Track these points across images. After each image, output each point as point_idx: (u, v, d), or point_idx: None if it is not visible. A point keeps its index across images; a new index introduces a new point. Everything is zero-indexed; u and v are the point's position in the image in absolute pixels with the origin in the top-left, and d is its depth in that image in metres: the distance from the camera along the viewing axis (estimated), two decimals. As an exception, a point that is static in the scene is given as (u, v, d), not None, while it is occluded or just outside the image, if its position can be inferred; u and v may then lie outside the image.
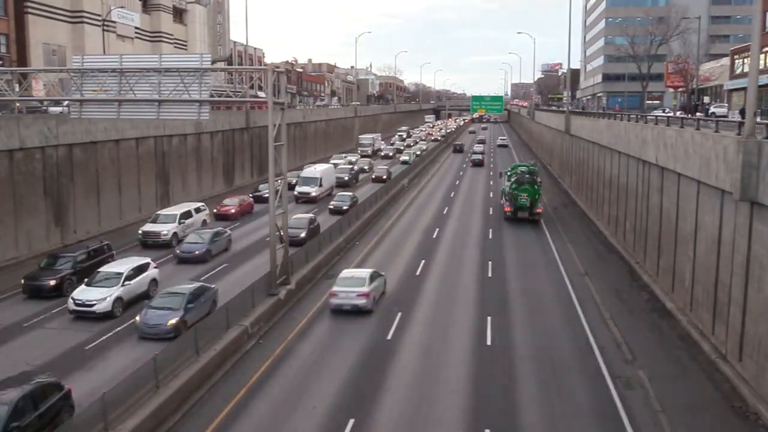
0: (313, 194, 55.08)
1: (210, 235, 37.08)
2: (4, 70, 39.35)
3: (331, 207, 50.84)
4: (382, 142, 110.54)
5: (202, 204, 45.07)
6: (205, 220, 43.62)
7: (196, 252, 35.78)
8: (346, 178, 66.24)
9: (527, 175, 48.71)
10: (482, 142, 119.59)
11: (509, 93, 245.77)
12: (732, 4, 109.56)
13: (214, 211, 47.47)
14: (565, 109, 72.47)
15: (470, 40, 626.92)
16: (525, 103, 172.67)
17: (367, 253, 39.15)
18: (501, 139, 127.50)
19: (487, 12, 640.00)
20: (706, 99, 77.06)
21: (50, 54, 62.42)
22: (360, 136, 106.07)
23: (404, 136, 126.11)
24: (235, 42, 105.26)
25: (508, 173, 52.76)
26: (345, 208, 49.32)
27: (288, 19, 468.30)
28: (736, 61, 67.66)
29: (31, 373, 19.08)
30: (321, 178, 56.75)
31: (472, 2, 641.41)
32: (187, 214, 41.71)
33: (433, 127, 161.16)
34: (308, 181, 56.14)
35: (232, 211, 48.37)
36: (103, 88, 28.74)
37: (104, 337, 25.05)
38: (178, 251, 36.30)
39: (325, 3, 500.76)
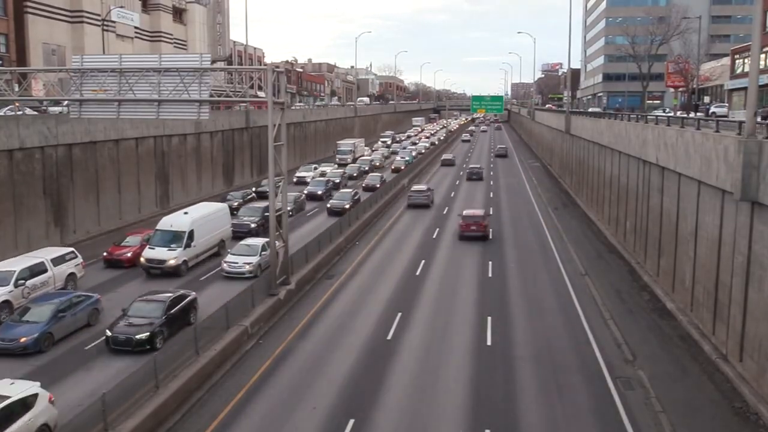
0: (172, 262, 32.56)
1: (52, 310, 24.07)
2: (3, 69, 39.34)
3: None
4: (366, 148, 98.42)
5: (71, 250, 31.20)
6: (72, 275, 30.16)
7: (22, 339, 22.77)
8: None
9: None
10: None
11: (509, 93, 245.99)
12: (732, 4, 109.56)
13: (104, 254, 34.69)
14: (565, 108, 72.44)
15: (465, 41, 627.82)
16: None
17: (367, 253, 39.12)
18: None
19: (475, 14, 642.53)
20: (707, 99, 77.07)
21: (50, 54, 62.39)
22: (338, 142, 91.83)
23: (387, 143, 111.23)
24: (234, 42, 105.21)
25: None
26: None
27: (280, 20, 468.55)
28: (737, 60, 67.65)
29: None
30: (191, 232, 33.85)
31: (459, 5, 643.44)
32: (34, 270, 28.13)
33: (420, 132, 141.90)
34: (167, 238, 33.49)
35: (129, 255, 34.19)
36: (103, 87, 28.73)
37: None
38: None
39: (317, 5, 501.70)
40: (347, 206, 48.73)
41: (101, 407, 16.71)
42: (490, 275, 34.27)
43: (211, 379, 21.44)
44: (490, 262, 36.53)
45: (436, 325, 26.74)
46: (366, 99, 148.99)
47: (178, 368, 20.44)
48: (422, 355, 23.59)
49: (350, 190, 54.81)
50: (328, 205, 50.38)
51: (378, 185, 60.75)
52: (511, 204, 57.15)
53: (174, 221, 34.54)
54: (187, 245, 33.58)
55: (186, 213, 35.51)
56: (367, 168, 77.60)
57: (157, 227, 34.62)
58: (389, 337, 25.36)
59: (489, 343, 24.85)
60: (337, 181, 64.06)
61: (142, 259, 33.19)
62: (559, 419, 19.00)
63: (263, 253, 32.67)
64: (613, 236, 41.58)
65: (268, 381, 21.60)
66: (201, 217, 35.44)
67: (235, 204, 48.60)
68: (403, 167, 75.77)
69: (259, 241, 33.94)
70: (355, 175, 72.25)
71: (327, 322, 27.20)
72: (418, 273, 34.56)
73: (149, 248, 33.51)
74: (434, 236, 43.67)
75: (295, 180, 65.23)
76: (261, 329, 25.81)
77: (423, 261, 36.83)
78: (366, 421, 18.84)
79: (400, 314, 27.83)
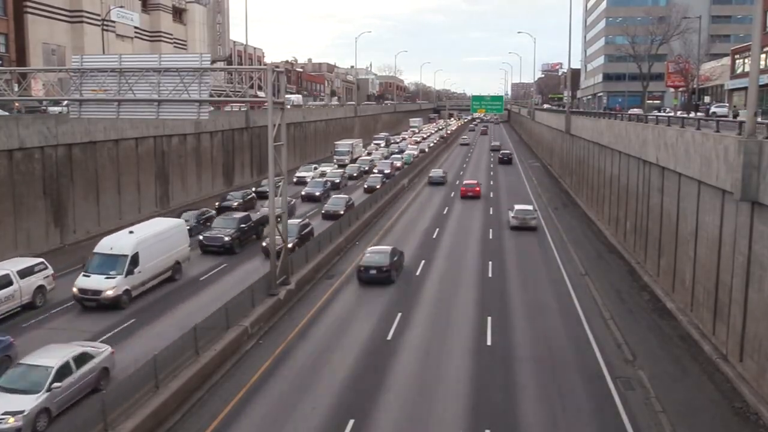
0: (110, 293, 27.74)
1: None
2: (3, 69, 39.31)
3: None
4: (364, 149, 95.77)
5: (40, 261, 28.93)
6: (41, 287, 28.01)
7: None
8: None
9: None
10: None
11: (509, 93, 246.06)
12: (733, 4, 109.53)
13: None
14: (565, 108, 72.40)
15: (465, 41, 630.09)
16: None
17: (367, 253, 39.06)
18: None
19: (474, 14, 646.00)
20: (707, 99, 77.06)
21: (49, 54, 62.37)
22: (336, 142, 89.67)
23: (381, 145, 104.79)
24: (234, 42, 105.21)
25: None
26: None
27: (279, 21, 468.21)
28: (737, 60, 67.66)
29: None
30: (135, 256, 29.11)
31: (457, 5, 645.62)
32: None
33: (411, 137, 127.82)
34: (105, 263, 28.70)
35: None
36: (103, 87, 28.71)
37: None
38: None
39: (315, 6, 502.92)
40: (291, 246, 33.16)
41: (101, 407, 16.70)
42: (490, 275, 34.25)
43: (211, 379, 21.42)
44: (490, 262, 36.51)
45: (436, 325, 26.74)
46: (294, 97, 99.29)
47: (178, 368, 20.42)
48: (422, 356, 23.58)
49: (298, 220, 40.39)
50: (264, 244, 35.49)
51: (342, 211, 46.69)
52: (511, 204, 57.04)
53: (115, 243, 29.36)
54: (130, 272, 28.51)
55: (131, 232, 30.61)
56: (366, 168, 76.55)
57: (95, 250, 29.48)
58: (389, 338, 25.34)
59: (489, 343, 24.84)
60: (337, 181, 63.93)
61: (74, 289, 28.12)
62: (559, 419, 19.00)
63: (57, 385, 18.43)
64: (613, 236, 41.57)
65: (268, 381, 21.58)
66: (149, 237, 30.46)
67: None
68: (378, 186, 59.95)
69: (51, 360, 19.06)
70: (355, 175, 71.67)
71: (327, 322, 27.18)
72: (418, 273, 34.53)
73: (83, 276, 28.39)
74: (434, 236, 43.64)
75: (294, 180, 64.07)
76: (261, 329, 25.79)
77: (423, 261, 36.81)
78: (366, 421, 18.82)
79: (400, 314, 27.81)
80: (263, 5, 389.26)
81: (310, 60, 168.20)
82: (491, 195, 62.10)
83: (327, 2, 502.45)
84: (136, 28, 76.56)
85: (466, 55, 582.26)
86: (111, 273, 28.19)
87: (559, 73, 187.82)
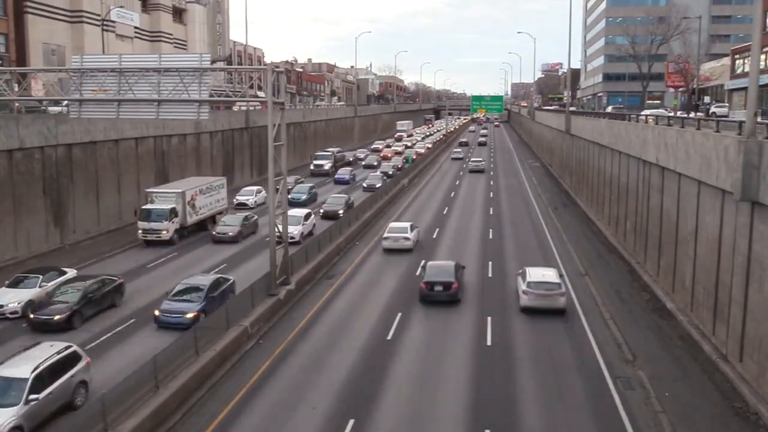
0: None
1: None
2: (3, 69, 39.31)
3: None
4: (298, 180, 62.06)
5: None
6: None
7: None
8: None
9: None
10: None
11: (509, 93, 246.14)
12: (732, 4, 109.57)
13: None
14: (565, 108, 72.39)
15: (463, 42, 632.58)
16: (525, 103, 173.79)
17: (367, 253, 39.10)
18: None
19: (461, 18, 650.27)
20: (707, 99, 77.04)
21: (49, 54, 62.37)
22: (148, 190, 43.15)
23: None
24: (234, 42, 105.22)
25: None
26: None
27: (270, 24, 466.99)
28: (737, 60, 67.63)
29: None
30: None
31: (440, 9, 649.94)
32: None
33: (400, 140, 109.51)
34: None
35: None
36: (103, 87, 28.72)
37: None
38: None
39: (304, 9, 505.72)
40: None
41: (101, 407, 16.70)
42: (490, 275, 34.25)
43: (211, 379, 21.42)
44: (490, 263, 36.50)
45: (436, 325, 26.73)
46: None
47: (178, 368, 20.43)
48: (422, 355, 23.58)
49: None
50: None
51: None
52: (511, 204, 57.12)
53: None
54: None
55: None
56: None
57: None
58: (389, 337, 25.34)
59: (489, 343, 24.84)
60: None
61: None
62: (559, 419, 18.99)
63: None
64: (613, 236, 41.55)
65: (268, 381, 21.59)
66: None
67: None
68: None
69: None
70: None
71: (327, 322, 27.19)
72: (417, 273, 34.52)
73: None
74: (434, 236, 43.61)
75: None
76: (261, 329, 25.79)
77: (423, 261, 36.78)
78: (366, 421, 18.83)
79: (400, 314, 27.81)
80: (253, 9, 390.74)
81: (309, 60, 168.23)
82: (491, 195, 61.94)
83: (314, 6, 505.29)
84: (136, 28, 76.56)
85: (465, 56, 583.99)
86: None
87: (559, 74, 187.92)
